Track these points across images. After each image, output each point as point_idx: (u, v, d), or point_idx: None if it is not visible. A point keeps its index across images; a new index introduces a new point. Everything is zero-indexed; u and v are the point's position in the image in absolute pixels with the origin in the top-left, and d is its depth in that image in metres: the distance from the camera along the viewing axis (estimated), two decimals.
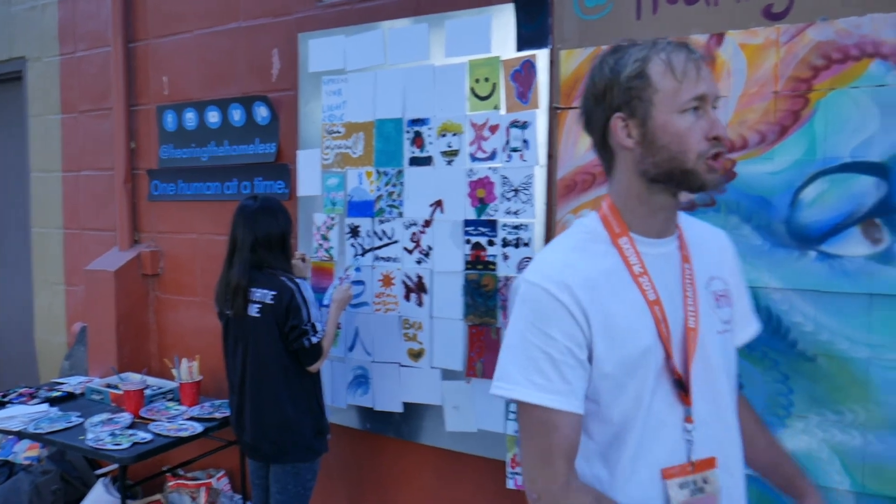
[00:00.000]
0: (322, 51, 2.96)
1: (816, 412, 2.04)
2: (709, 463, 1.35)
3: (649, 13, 2.22)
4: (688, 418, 1.34)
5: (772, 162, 2.06)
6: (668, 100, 1.28)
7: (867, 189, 1.95)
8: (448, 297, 2.66)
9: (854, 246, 1.97)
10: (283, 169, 3.19)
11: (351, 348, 2.91)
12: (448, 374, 2.69)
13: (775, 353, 2.08)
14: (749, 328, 1.57)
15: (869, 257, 1.96)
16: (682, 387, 1.34)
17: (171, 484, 3.45)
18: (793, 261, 2.05)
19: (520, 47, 2.46)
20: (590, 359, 1.31)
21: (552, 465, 1.31)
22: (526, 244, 2.48)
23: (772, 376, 2.09)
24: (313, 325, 2.54)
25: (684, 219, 1.46)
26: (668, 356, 1.33)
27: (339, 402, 2.95)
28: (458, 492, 2.79)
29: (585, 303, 1.30)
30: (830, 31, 1.98)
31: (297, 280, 2.58)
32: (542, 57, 2.43)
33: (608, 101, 1.32)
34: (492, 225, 2.55)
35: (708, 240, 1.47)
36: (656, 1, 2.21)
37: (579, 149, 2.35)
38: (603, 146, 1.37)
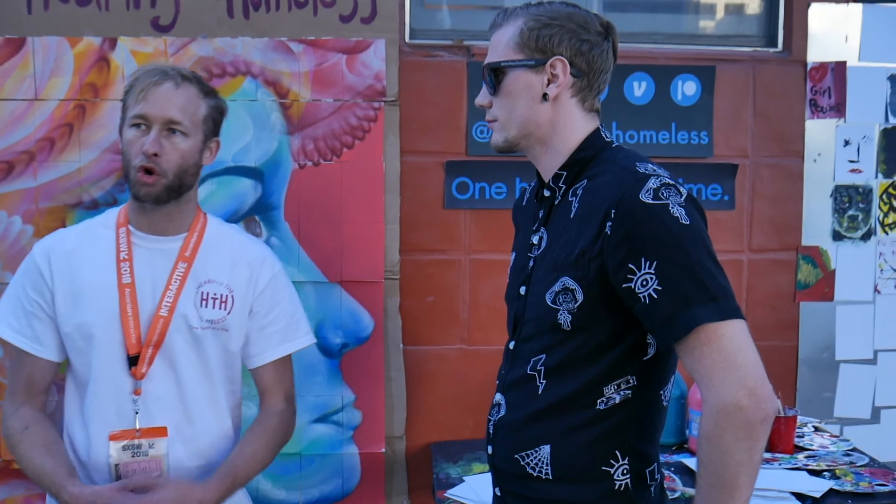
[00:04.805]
0: None
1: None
2: (158, 432, 1.55)
3: (41, 9, 2.17)
4: (136, 390, 1.54)
5: None
6: (125, 114, 1.54)
7: (247, 190, 2.25)
8: None
9: None
10: None
11: None
12: None
13: None
14: (295, 341, 1.72)
15: None
16: (134, 362, 1.54)
17: None
18: None
19: None
20: (57, 316, 1.56)
21: (13, 395, 1.60)
22: None
23: None
24: None
25: (218, 229, 1.68)
26: (125, 333, 1.53)
27: None
28: None
29: (56, 270, 1.55)
30: (210, 48, 2.21)
31: None
32: None
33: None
34: None
35: (224, 253, 1.64)
36: None
37: None
38: None
